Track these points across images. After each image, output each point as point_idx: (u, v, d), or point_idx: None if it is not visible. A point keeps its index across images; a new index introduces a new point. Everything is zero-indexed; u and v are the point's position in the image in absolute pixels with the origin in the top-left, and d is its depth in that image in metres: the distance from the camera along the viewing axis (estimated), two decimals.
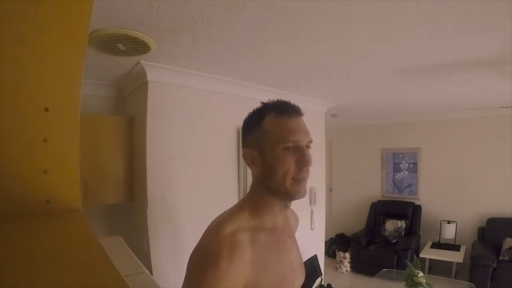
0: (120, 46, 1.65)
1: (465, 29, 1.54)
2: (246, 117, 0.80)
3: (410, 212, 4.56)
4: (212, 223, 0.73)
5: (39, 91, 0.57)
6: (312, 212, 3.44)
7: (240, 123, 0.80)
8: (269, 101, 0.76)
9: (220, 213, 0.77)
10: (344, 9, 1.32)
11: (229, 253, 0.64)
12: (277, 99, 0.76)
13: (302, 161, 0.70)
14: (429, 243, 4.36)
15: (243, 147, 0.78)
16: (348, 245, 4.68)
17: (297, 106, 0.75)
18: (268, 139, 0.71)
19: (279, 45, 1.75)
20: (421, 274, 2.36)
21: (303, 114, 0.76)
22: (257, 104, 0.78)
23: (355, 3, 1.27)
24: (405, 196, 4.89)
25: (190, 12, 1.32)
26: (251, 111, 0.79)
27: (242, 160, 2.65)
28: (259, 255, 0.69)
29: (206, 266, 0.63)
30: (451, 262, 3.85)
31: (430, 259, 3.97)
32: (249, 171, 0.77)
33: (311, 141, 0.74)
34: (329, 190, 5.43)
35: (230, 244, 0.65)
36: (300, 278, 0.83)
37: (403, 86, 2.79)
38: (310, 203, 3.39)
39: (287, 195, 0.73)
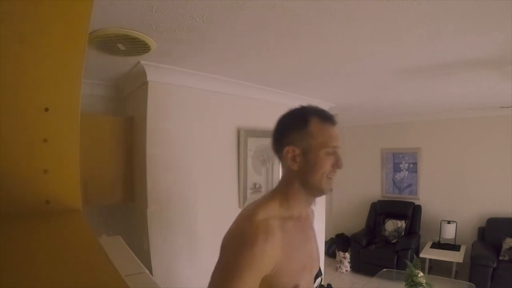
0: (120, 46, 1.65)
1: (465, 29, 1.54)
2: (285, 117, 0.87)
3: (410, 212, 4.56)
4: (244, 211, 0.83)
5: (39, 91, 0.57)
6: (312, 212, 3.44)
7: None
8: (308, 106, 0.86)
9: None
10: (344, 9, 1.32)
11: (264, 236, 0.72)
12: (315, 106, 0.86)
13: (338, 164, 0.84)
14: (429, 243, 4.36)
15: (282, 144, 0.84)
16: (348, 245, 4.68)
17: (333, 115, 0.86)
18: (314, 141, 0.81)
19: (279, 45, 1.75)
20: (421, 274, 2.35)
21: (338, 122, 0.87)
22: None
23: (355, 3, 1.27)
24: (405, 196, 4.89)
25: (190, 12, 1.32)
26: (288, 112, 0.87)
27: (242, 160, 2.66)
28: (287, 241, 0.78)
29: (243, 248, 0.71)
30: (451, 262, 3.85)
31: (430, 259, 3.97)
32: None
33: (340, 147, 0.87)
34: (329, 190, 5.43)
35: (264, 229, 0.74)
36: (316, 267, 0.93)
37: (403, 86, 2.79)
38: None
39: (319, 191, 0.84)
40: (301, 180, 0.83)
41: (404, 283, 2.38)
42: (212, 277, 0.76)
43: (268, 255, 0.72)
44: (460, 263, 3.80)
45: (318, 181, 0.82)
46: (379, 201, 4.98)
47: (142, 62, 1.98)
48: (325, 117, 0.83)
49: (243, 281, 0.69)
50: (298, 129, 0.82)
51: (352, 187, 5.41)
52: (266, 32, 1.56)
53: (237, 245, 0.73)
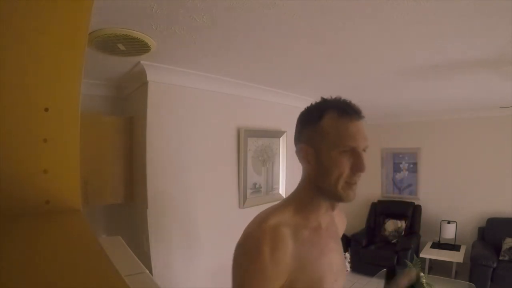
0: (120, 46, 1.65)
1: (465, 29, 1.54)
2: (304, 111, 0.76)
3: (410, 212, 4.56)
4: (256, 217, 0.73)
5: (39, 91, 0.57)
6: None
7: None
8: (329, 98, 0.73)
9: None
10: (344, 9, 1.32)
11: (272, 243, 0.64)
12: (339, 97, 0.72)
13: (358, 167, 0.69)
14: (429, 243, 4.36)
15: (297, 142, 0.75)
16: (348, 245, 4.68)
17: (359, 108, 0.72)
18: (326, 139, 0.69)
19: (279, 45, 1.75)
20: (421, 274, 2.35)
21: (364, 117, 0.72)
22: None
23: (355, 3, 1.27)
24: (405, 196, 4.89)
25: (190, 12, 1.32)
26: (309, 105, 0.75)
27: (242, 160, 2.66)
28: (300, 252, 0.68)
29: (250, 256, 0.65)
30: (451, 262, 3.85)
31: (430, 259, 3.97)
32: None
33: (367, 146, 0.74)
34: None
35: (272, 235, 0.65)
36: (340, 282, 0.81)
37: (403, 86, 2.79)
38: None
39: (337, 198, 0.72)
40: (315, 184, 0.72)
41: None
42: None
43: (279, 265, 0.64)
44: (460, 263, 3.80)
45: (333, 186, 0.69)
46: (379, 201, 4.98)
47: (142, 62, 1.98)
48: (344, 110, 0.69)
49: None
50: (311, 125, 0.71)
51: None
52: (266, 32, 1.56)
53: (245, 254, 0.66)
